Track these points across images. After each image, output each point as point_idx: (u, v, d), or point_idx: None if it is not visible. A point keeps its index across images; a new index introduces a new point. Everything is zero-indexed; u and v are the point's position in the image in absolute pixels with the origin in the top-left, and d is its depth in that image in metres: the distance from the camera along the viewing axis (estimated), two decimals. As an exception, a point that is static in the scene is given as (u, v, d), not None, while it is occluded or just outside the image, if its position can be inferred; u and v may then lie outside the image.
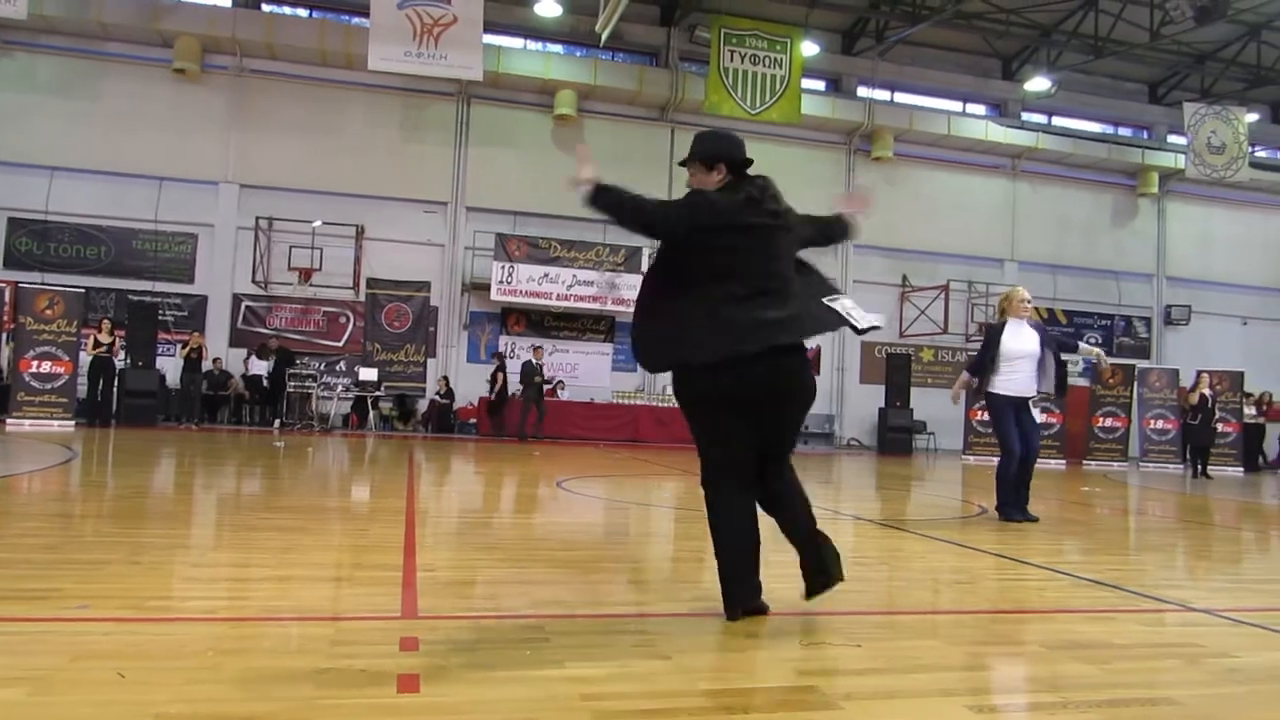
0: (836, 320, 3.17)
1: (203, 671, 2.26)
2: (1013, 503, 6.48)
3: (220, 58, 17.98)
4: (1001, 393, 6.50)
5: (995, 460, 6.91)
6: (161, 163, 17.54)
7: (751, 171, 3.16)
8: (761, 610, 3.08)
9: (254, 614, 2.95)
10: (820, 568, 3.12)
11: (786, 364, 3.03)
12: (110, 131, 17.31)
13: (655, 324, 3.08)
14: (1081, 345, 7.03)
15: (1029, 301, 6.68)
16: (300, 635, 2.67)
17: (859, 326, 3.19)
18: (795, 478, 3.23)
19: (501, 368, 17.18)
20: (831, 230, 3.47)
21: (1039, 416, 6.67)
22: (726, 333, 2.90)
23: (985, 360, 6.60)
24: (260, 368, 16.98)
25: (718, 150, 3.14)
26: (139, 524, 4.80)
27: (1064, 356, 7.00)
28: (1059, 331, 22.42)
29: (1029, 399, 6.54)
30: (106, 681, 2.15)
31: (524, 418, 16.38)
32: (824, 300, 3.19)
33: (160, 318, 16.52)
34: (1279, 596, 4.27)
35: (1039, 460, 6.88)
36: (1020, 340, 6.50)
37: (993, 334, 6.63)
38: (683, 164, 3.23)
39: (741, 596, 3.04)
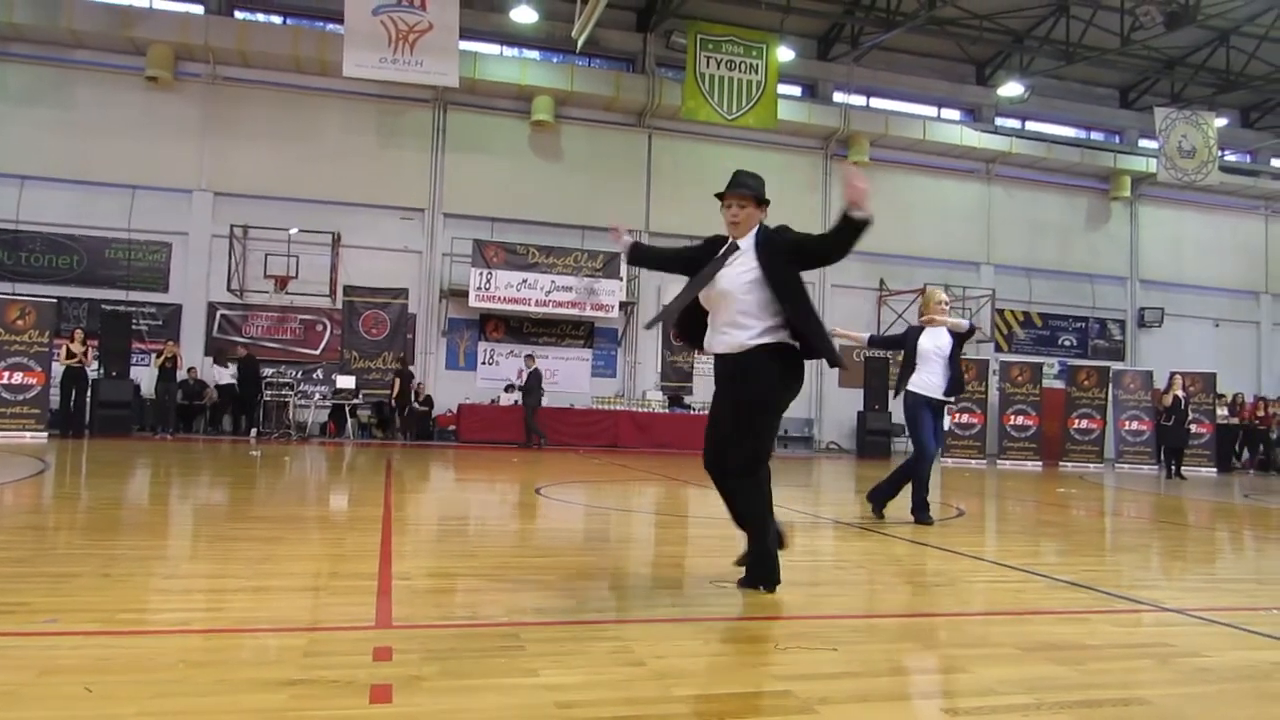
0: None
1: (172, 685, 2.24)
2: (925, 505, 6.53)
3: (193, 65, 17.82)
4: (919, 392, 6.55)
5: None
6: (134, 171, 17.35)
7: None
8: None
9: (226, 626, 2.92)
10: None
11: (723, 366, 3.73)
12: (82, 140, 17.11)
13: None
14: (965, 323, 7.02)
15: (946, 303, 6.79)
16: (273, 647, 2.64)
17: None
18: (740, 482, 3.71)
19: (399, 373, 17.16)
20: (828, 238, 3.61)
21: (946, 421, 6.71)
22: None
23: (904, 360, 6.67)
24: (223, 375, 16.80)
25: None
26: (111, 536, 4.73)
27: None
28: (1032, 335, 22.71)
29: (944, 402, 6.62)
30: (73, 696, 2.11)
31: (531, 425, 16.31)
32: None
33: (134, 327, 16.35)
34: (1249, 596, 4.33)
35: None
36: (935, 340, 6.58)
37: (910, 334, 6.72)
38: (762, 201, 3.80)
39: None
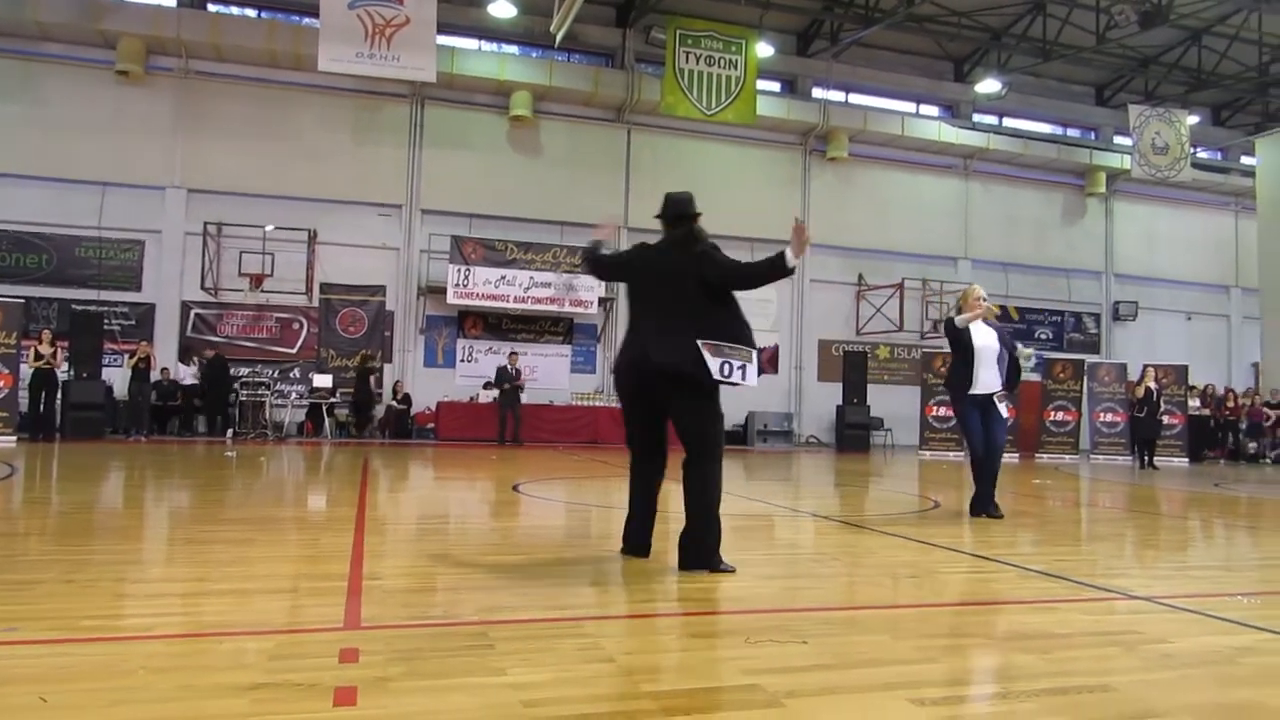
0: (688, 362, 3.88)
1: (132, 692, 2.20)
2: (988, 496, 6.60)
3: (165, 59, 17.59)
4: (971, 391, 6.61)
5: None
6: (105, 167, 17.10)
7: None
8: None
9: (191, 630, 2.88)
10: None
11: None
12: (50, 135, 16.83)
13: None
14: (1019, 347, 7.15)
15: (984, 299, 6.80)
16: (238, 650, 2.61)
17: (713, 377, 3.91)
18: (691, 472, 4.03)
19: (360, 371, 17.15)
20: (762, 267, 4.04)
21: (1004, 412, 6.77)
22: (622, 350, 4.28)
23: (961, 360, 6.67)
24: (186, 375, 16.48)
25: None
26: (78, 541, 4.67)
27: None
28: (1010, 329, 22.89)
29: (994, 395, 6.65)
30: (27, 707, 2.07)
31: (503, 424, 16.30)
32: (699, 341, 3.88)
33: (106, 327, 16.10)
34: (1215, 582, 4.38)
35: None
36: (982, 337, 6.65)
37: (961, 333, 6.69)
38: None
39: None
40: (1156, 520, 7.41)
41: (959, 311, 6.86)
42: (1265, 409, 19.37)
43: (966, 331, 6.66)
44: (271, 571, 3.86)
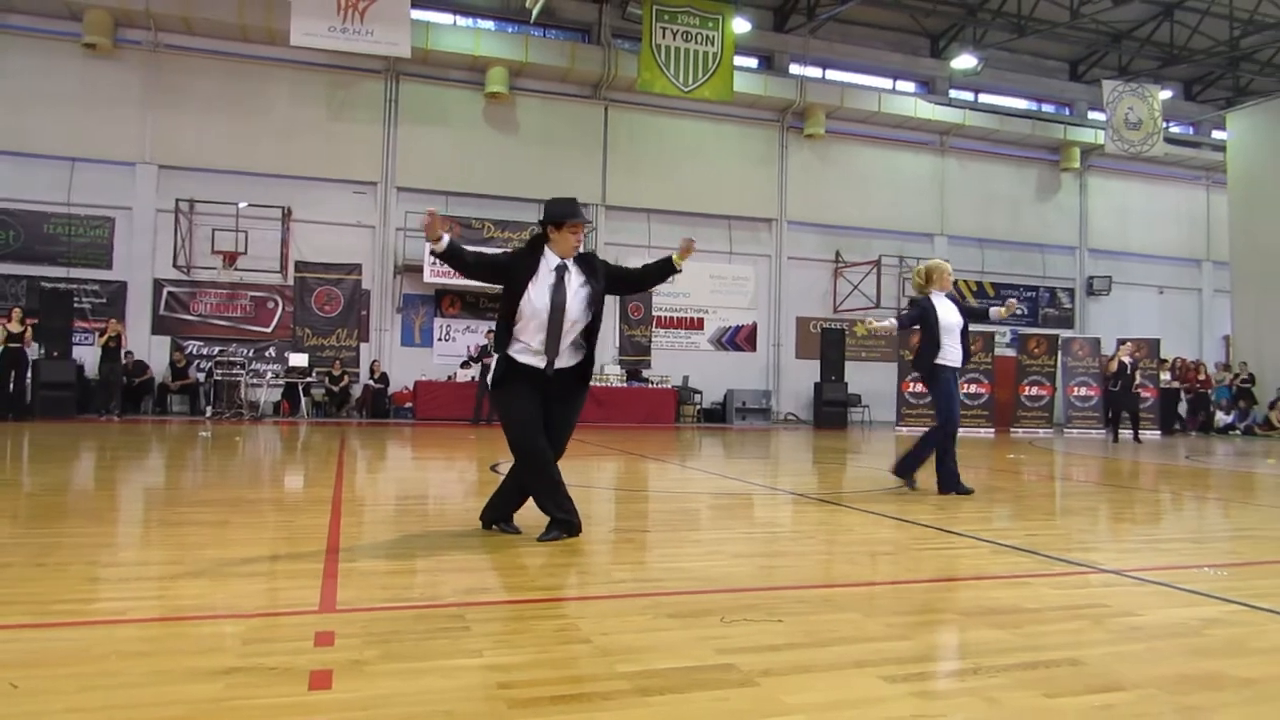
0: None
1: (103, 677, 2.18)
2: (955, 473, 6.65)
3: (134, 32, 17.22)
4: (949, 364, 6.65)
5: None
6: (73, 143, 16.77)
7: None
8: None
9: (165, 614, 2.86)
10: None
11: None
12: (15, 109, 16.47)
13: None
14: (992, 310, 7.22)
15: (950, 275, 6.87)
16: (211, 634, 2.60)
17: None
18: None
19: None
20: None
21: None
22: None
23: (929, 337, 6.69)
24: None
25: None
26: (48, 523, 4.61)
27: (975, 327, 7.27)
28: (984, 303, 23.06)
29: (959, 369, 6.76)
30: (-2, 692, 2.05)
31: (480, 402, 16.21)
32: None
33: (76, 305, 15.87)
34: (1181, 555, 4.46)
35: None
36: (948, 312, 6.70)
37: (929, 308, 6.71)
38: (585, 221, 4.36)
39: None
40: (1129, 494, 7.53)
41: (926, 287, 6.87)
42: (1235, 382, 19.68)
43: (931, 306, 6.70)
44: (246, 554, 3.83)
